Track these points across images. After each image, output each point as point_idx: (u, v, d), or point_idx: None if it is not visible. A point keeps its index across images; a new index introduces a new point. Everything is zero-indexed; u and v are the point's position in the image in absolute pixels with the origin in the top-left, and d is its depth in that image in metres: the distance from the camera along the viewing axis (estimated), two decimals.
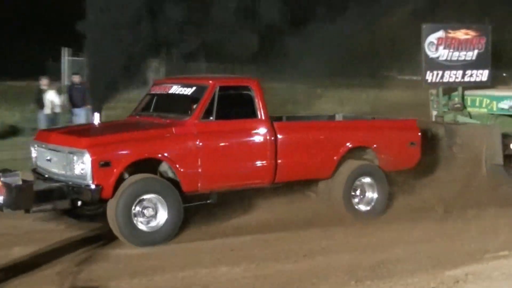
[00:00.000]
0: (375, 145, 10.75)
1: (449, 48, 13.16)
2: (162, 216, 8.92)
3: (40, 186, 9.04)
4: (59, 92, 17.27)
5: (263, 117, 9.78)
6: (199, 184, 9.25)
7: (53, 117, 16.04)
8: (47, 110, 16.14)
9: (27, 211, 8.82)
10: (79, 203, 8.98)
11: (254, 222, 9.92)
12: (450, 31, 13.18)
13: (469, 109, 13.65)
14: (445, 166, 12.20)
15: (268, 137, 9.73)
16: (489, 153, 12.15)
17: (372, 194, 10.65)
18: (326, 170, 10.34)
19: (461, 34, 13.31)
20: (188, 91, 9.82)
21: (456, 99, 13.51)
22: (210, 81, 9.69)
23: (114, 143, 8.86)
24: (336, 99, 21.68)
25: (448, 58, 13.17)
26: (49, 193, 8.90)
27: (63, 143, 9.14)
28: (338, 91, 25.03)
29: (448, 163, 12.22)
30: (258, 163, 9.70)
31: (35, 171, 9.77)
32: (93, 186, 8.58)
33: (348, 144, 10.45)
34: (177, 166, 9.05)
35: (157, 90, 10.59)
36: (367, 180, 10.60)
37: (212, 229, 9.51)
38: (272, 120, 10.17)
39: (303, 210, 10.37)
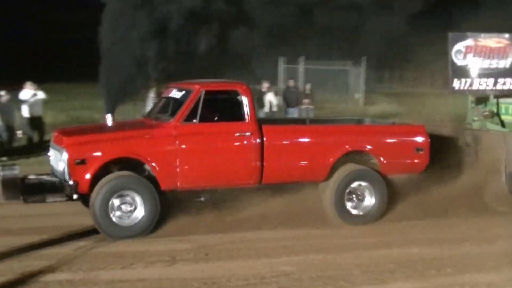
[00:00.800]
0: (373, 150, 9.96)
1: (479, 56, 12.07)
2: (140, 212, 8.72)
3: (35, 180, 9.11)
4: (276, 94, 19.30)
5: (249, 120, 9.31)
6: (178, 183, 8.93)
7: (270, 115, 17.68)
8: (265, 109, 18.00)
9: (25, 201, 8.88)
10: (75, 196, 8.89)
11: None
12: (479, 39, 12.09)
13: (503, 116, 12.49)
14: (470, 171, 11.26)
15: (253, 140, 9.25)
16: (508, 160, 11.08)
17: (369, 199, 9.88)
18: (318, 174, 9.69)
19: (492, 43, 12.16)
20: (179, 95, 9.53)
21: (487, 107, 12.42)
22: (196, 86, 9.33)
23: (90, 142, 8.73)
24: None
25: (478, 66, 12.09)
26: (42, 186, 8.94)
27: (56, 142, 9.19)
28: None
29: (473, 167, 11.27)
30: (242, 165, 9.23)
31: None
32: (70, 182, 8.51)
33: (341, 148, 9.76)
34: (154, 165, 8.80)
35: (165, 93, 10.39)
36: (363, 184, 9.85)
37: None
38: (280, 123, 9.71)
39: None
